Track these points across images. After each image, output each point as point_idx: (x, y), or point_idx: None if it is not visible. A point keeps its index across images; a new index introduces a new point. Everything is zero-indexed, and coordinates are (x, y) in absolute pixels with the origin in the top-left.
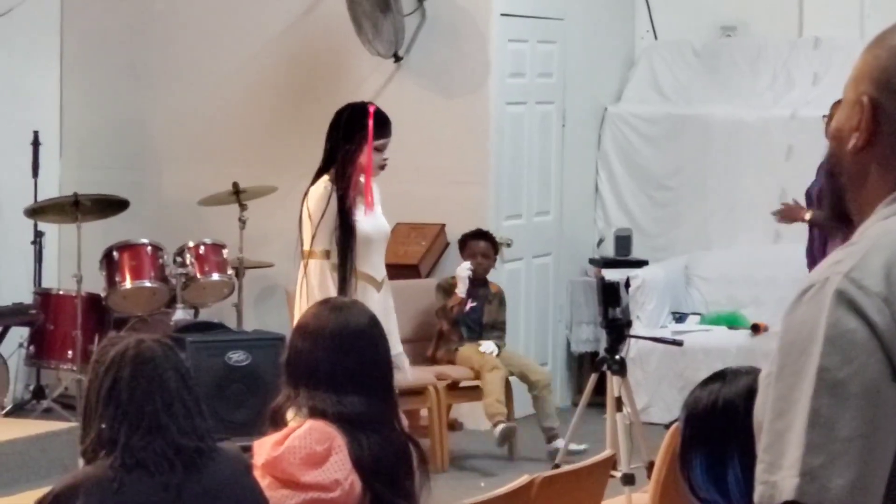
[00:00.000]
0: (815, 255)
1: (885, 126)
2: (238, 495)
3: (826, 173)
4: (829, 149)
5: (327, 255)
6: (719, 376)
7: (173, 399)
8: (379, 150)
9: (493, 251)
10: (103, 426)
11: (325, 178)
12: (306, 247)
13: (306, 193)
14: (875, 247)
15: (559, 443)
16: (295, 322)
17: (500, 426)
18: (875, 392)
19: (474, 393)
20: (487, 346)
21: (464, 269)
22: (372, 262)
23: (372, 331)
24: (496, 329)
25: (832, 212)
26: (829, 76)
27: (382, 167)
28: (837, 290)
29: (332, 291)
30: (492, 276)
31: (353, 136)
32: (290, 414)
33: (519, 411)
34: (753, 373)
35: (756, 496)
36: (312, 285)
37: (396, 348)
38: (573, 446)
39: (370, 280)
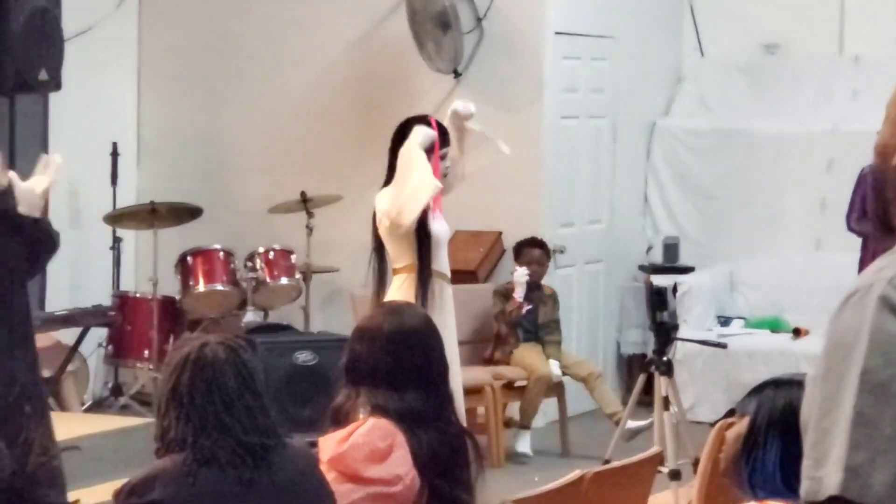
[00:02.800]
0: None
1: None
2: (306, 488)
3: (872, 186)
4: (875, 163)
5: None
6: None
7: (233, 400)
8: (442, 158)
9: (546, 258)
10: (171, 427)
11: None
12: (404, 262)
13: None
14: None
15: (629, 424)
16: None
17: (523, 438)
18: None
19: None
20: (554, 367)
21: (522, 275)
22: (441, 261)
23: (426, 330)
24: (551, 327)
25: (877, 223)
26: (868, 92)
27: (445, 175)
28: (881, 295)
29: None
30: (545, 281)
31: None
32: (361, 413)
33: (572, 409)
34: None
35: (802, 491)
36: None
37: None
38: (636, 424)
39: (443, 277)
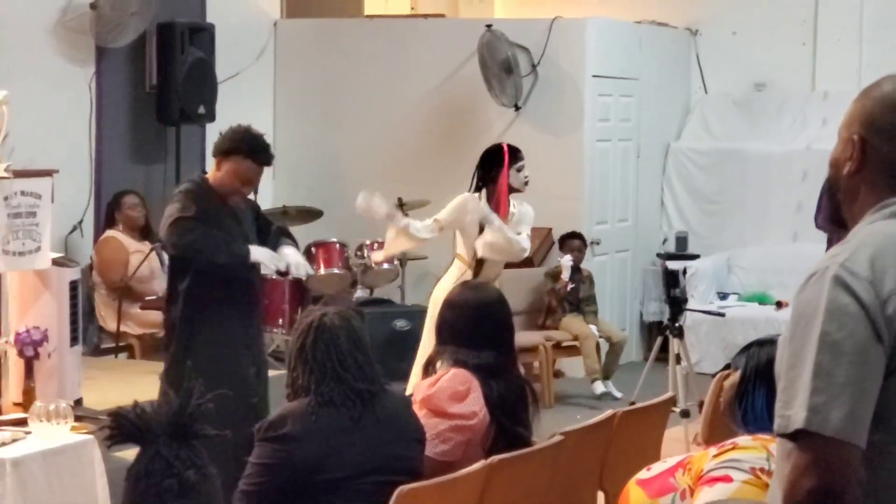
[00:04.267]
0: None
1: (870, 157)
2: (403, 423)
3: (827, 191)
4: (829, 174)
5: None
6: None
7: (346, 356)
8: (519, 170)
9: (584, 247)
10: (298, 377)
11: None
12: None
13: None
14: (863, 244)
15: (597, 385)
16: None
17: (598, 384)
18: (863, 350)
19: (572, 350)
20: (593, 329)
21: (567, 260)
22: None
23: (500, 303)
24: (590, 301)
25: (831, 219)
26: (834, 120)
27: (526, 183)
28: (834, 275)
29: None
30: (582, 265)
31: (493, 166)
32: (445, 365)
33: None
34: None
35: (775, 426)
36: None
37: None
38: (616, 393)
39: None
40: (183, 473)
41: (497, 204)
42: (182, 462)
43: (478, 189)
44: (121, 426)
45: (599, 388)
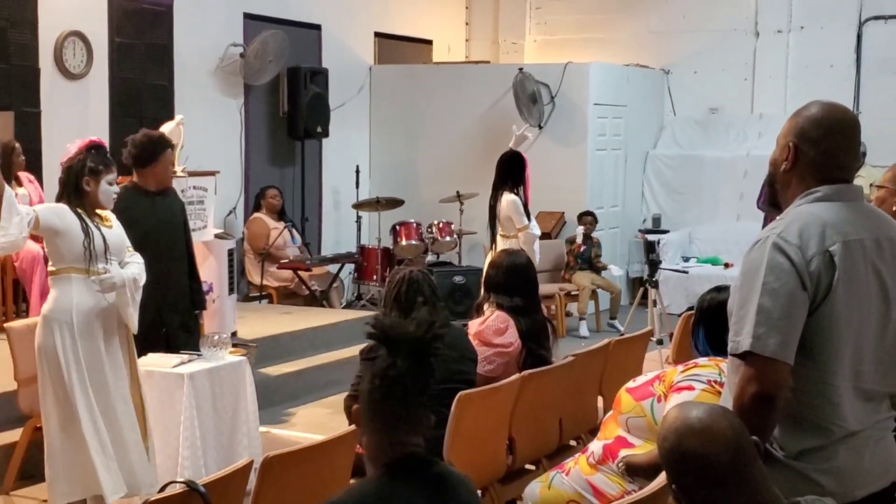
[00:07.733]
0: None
1: (801, 158)
2: (462, 346)
3: (767, 182)
4: (769, 170)
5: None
6: (717, 288)
7: (427, 300)
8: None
9: (594, 221)
10: (391, 312)
11: (511, 192)
12: (519, 225)
13: (498, 199)
14: (794, 220)
15: (616, 322)
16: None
17: (584, 326)
18: (793, 296)
19: (577, 298)
20: (588, 280)
21: (580, 230)
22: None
23: (527, 264)
24: (599, 258)
25: (770, 202)
26: (767, 134)
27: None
28: (773, 242)
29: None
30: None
31: (522, 168)
32: (489, 308)
33: (603, 307)
34: None
35: (728, 348)
36: (534, 249)
37: None
38: (620, 327)
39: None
40: (408, 384)
41: (526, 197)
42: (411, 378)
43: (513, 188)
44: (378, 328)
45: (584, 330)
